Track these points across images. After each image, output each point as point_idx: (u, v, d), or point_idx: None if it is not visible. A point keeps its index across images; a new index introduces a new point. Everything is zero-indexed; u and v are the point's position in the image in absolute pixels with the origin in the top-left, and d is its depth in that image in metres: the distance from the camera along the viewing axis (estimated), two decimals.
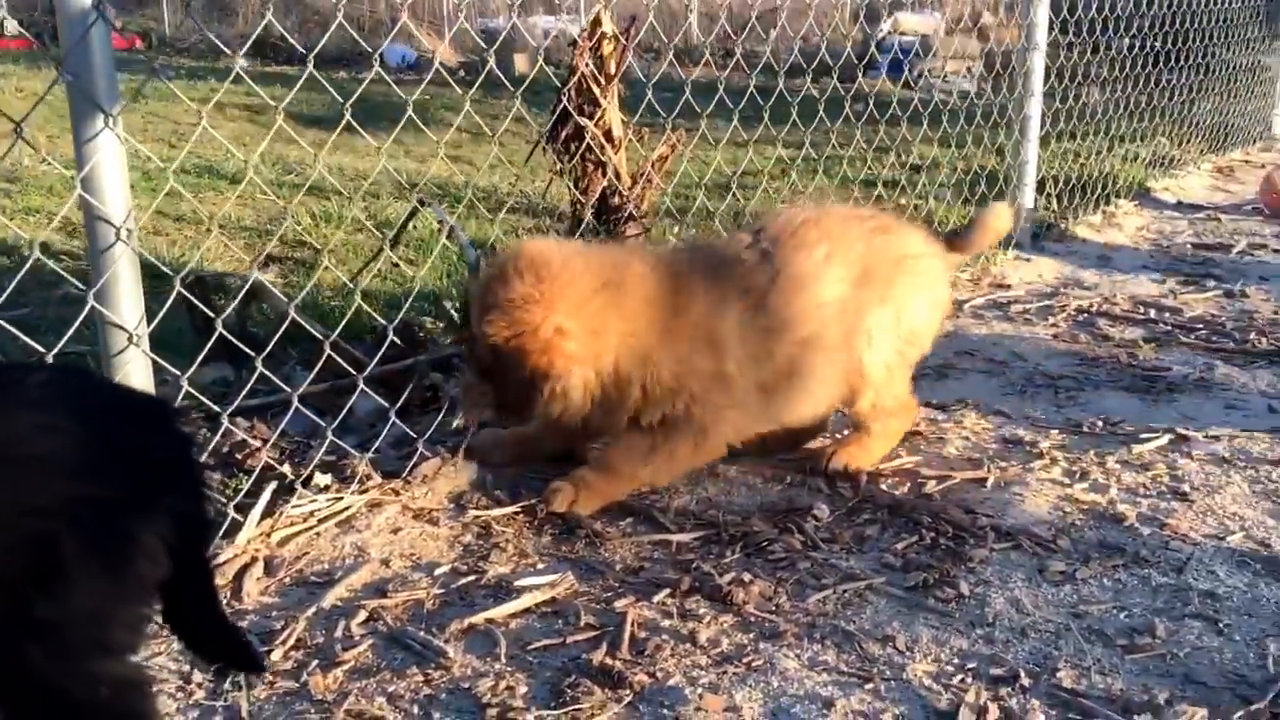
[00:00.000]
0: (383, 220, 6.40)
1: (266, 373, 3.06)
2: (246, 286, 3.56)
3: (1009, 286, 5.51)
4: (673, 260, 3.24)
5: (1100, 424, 3.74)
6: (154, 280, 4.91)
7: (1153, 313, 5.07)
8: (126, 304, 2.56)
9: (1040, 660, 2.45)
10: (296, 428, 3.50)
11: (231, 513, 2.85)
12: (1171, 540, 2.98)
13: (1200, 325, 4.86)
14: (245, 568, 2.72)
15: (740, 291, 3.14)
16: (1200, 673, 2.42)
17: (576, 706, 2.24)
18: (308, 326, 3.89)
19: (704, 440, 3.14)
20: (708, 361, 3.09)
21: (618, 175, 4.12)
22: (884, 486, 3.26)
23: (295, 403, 3.09)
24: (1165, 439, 3.61)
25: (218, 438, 2.92)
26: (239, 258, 5.74)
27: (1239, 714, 2.27)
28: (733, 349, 3.11)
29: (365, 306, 4.07)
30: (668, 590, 2.68)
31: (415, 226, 5.84)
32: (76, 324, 2.59)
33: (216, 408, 2.96)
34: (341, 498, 3.05)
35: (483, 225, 6.36)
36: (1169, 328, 4.85)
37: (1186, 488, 3.29)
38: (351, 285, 4.00)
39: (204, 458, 3.09)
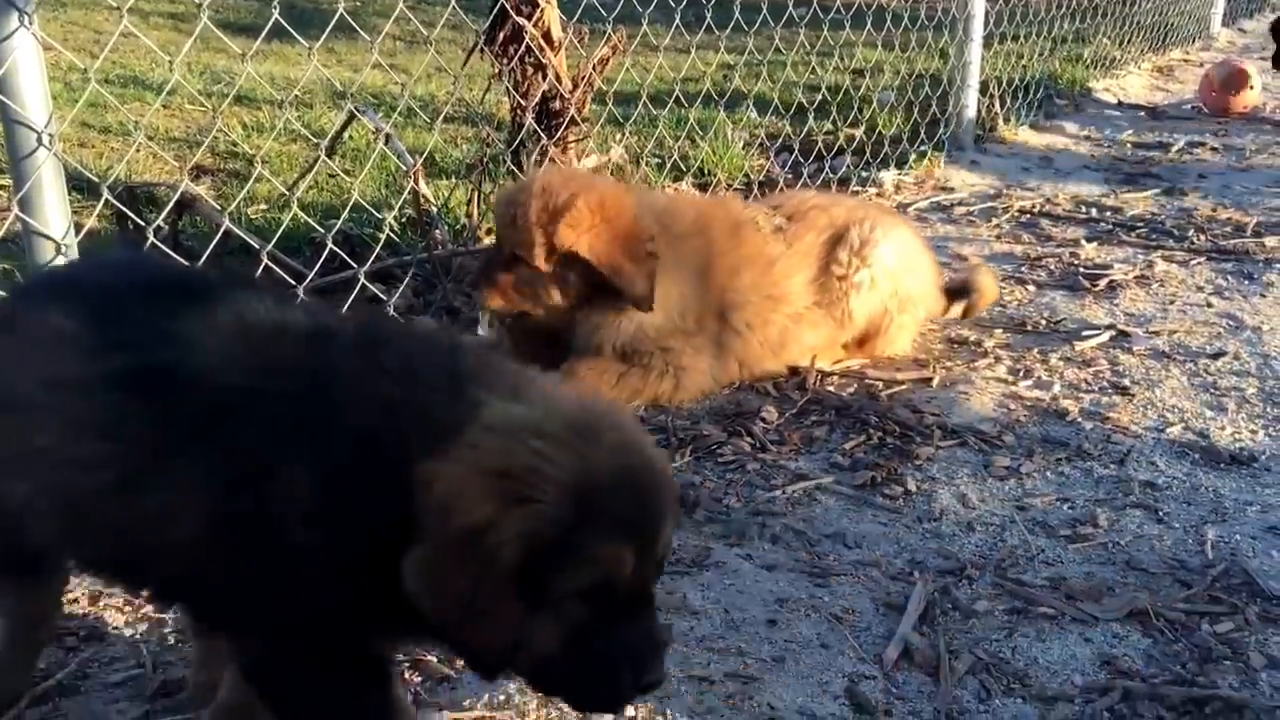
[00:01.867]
0: (317, 130, 6.23)
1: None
2: (177, 197, 3.44)
3: (952, 189, 5.51)
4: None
5: (1043, 322, 3.78)
6: (80, 193, 4.78)
7: (1094, 212, 5.10)
8: (52, 212, 2.46)
9: (986, 552, 2.50)
10: None
11: None
12: (1113, 434, 3.03)
13: (1140, 223, 4.90)
14: None
15: (751, 259, 3.26)
16: (1141, 560, 2.47)
17: None
18: (245, 237, 3.79)
19: (675, 388, 3.17)
20: (711, 321, 3.21)
21: (558, 78, 4.01)
22: (831, 388, 3.27)
23: None
24: (1106, 335, 3.66)
25: None
26: (169, 169, 5.57)
27: (1179, 598, 2.33)
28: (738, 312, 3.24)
29: (304, 216, 3.98)
30: None
31: (350, 136, 5.70)
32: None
33: None
34: None
35: (420, 134, 6.22)
36: (1110, 226, 4.89)
37: (1127, 382, 3.34)
38: (288, 194, 3.90)
39: None
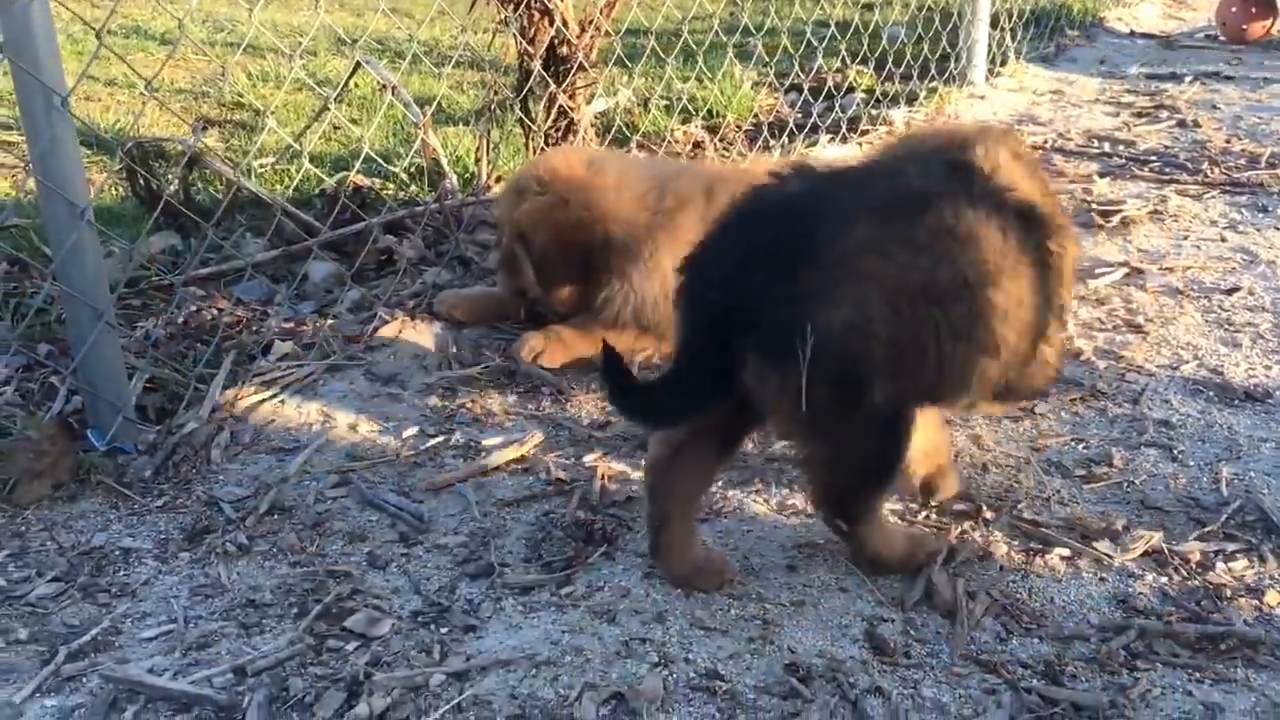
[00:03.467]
0: (322, 79, 6.19)
1: (218, 239, 2.98)
2: (189, 156, 3.43)
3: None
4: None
5: None
6: (89, 148, 4.77)
7: (1106, 146, 5.06)
8: (69, 173, 2.46)
9: (1002, 494, 2.52)
10: (252, 295, 3.44)
11: (193, 384, 2.81)
12: (1127, 372, 3.04)
13: (1154, 157, 4.87)
14: (211, 437, 2.70)
15: None
16: (1156, 498, 2.49)
17: (553, 559, 2.28)
18: (257, 192, 3.80)
19: None
20: None
21: (565, 24, 3.97)
22: None
23: (250, 270, 3.02)
24: (1120, 273, 3.65)
25: (173, 308, 2.85)
26: (176, 122, 5.55)
27: (1193, 535, 2.35)
28: None
29: (313, 169, 3.97)
30: (637, 443, 2.70)
31: (356, 84, 5.66)
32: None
33: (170, 278, 2.88)
34: (303, 364, 3.03)
35: (426, 81, 6.17)
36: (1123, 161, 4.85)
37: (1141, 320, 3.34)
38: (298, 147, 3.89)
39: (160, 329, 3.05)
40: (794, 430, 2.05)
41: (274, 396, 2.88)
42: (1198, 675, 1.98)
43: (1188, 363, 3.08)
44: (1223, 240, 3.92)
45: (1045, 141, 5.14)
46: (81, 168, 2.48)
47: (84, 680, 1.95)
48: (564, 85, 4.00)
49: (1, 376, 2.93)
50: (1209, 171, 4.64)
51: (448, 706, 1.88)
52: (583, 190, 3.09)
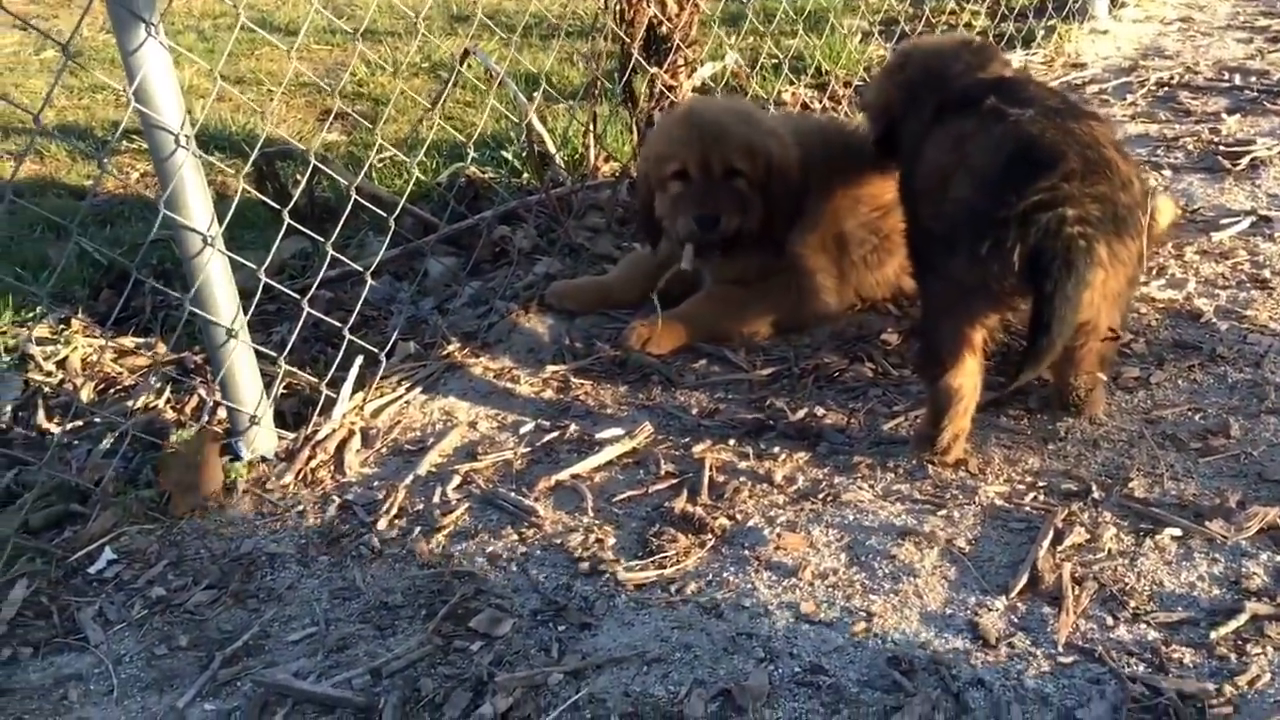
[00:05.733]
0: (437, 61, 6.34)
1: (339, 256, 3.14)
2: (310, 168, 3.59)
3: (1084, 65, 5.29)
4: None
5: (1179, 212, 3.65)
6: (223, 151, 5.02)
7: (1237, 78, 4.85)
8: (196, 206, 2.63)
9: (1112, 471, 2.50)
10: (377, 295, 3.61)
11: (324, 389, 2.99)
12: (1249, 333, 2.95)
13: None
14: (344, 442, 2.87)
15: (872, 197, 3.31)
16: (1274, 470, 2.44)
17: (662, 555, 2.37)
18: (375, 192, 3.94)
19: (800, 303, 3.24)
20: (833, 246, 3.29)
21: (663, 4, 4.00)
22: None
23: (369, 279, 3.17)
24: (1246, 222, 3.53)
25: (302, 318, 3.02)
26: (303, 117, 5.79)
27: None
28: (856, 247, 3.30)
29: (428, 162, 4.11)
30: (744, 430, 2.77)
31: (470, 66, 5.78)
32: (154, 231, 2.69)
33: (295, 295, 3.05)
34: (425, 364, 3.18)
35: (535, 54, 6.27)
36: (1254, 94, 4.64)
37: (1267, 274, 3.23)
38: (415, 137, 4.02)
39: (293, 335, 3.22)
40: None
41: (399, 398, 3.04)
42: None
43: None
44: None
45: (1171, 77, 4.95)
46: (208, 201, 2.64)
47: (238, 684, 2.14)
48: (665, 66, 4.03)
49: (155, 387, 3.17)
50: None
51: (565, 705, 2.00)
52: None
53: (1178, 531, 2.28)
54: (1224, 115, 4.42)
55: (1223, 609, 2.09)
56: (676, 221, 3.19)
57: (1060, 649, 2.04)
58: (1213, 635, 2.03)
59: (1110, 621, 2.09)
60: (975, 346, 2.51)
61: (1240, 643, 2.01)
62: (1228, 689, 1.91)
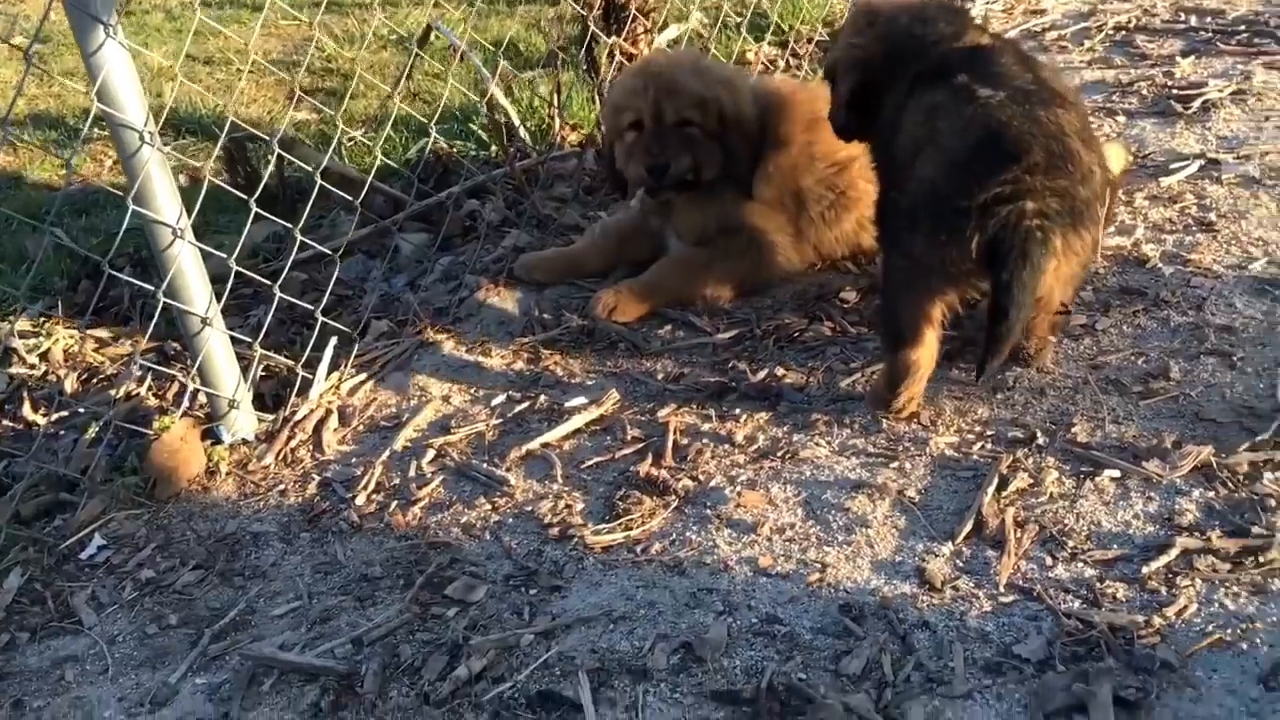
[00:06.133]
0: (405, 32, 6.37)
1: (307, 240, 3.22)
2: (278, 147, 3.65)
3: (1044, 10, 5.35)
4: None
5: (1131, 158, 3.73)
6: (194, 135, 5.07)
7: (1194, 19, 4.91)
8: (163, 200, 2.70)
9: (1057, 417, 2.61)
10: (350, 274, 3.69)
11: (301, 371, 3.08)
12: (1193, 276, 3.05)
13: (1242, 27, 4.71)
14: (322, 421, 2.97)
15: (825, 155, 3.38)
16: (1210, 410, 2.55)
17: (628, 517, 2.48)
18: (343, 171, 4.00)
19: (761, 262, 3.33)
20: (791, 203, 3.38)
21: None
22: None
23: (339, 260, 3.25)
24: (1195, 166, 3.61)
25: (274, 303, 3.10)
26: (273, 95, 5.83)
27: (1244, 446, 2.41)
28: (814, 204, 3.38)
29: (396, 136, 4.16)
30: (707, 393, 2.87)
31: (435, 38, 5.82)
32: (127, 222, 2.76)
33: (268, 281, 3.13)
34: (399, 341, 3.27)
35: (502, 21, 6.30)
36: (1209, 34, 4.71)
37: (1213, 217, 3.32)
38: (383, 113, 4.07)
39: (269, 318, 3.31)
40: None
41: (373, 376, 3.14)
42: (1234, 589, 2.08)
43: (1257, 260, 3.07)
44: None
45: (1129, 20, 5.01)
46: (176, 194, 2.72)
47: (227, 659, 2.25)
48: (624, 33, 4.09)
49: (136, 375, 3.26)
50: None
51: (536, 664, 2.12)
52: None
53: (1116, 473, 2.39)
54: (1178, 58, 4.49)
55: (1155, 545, 2.20)
56: (629, 168, 3.32)
57: (1001, 589, 2.15)
58: (1144, 570, 2.14)
59: (1049, 561, 2.21)
60: (934, 321, 2.59)
61: (1170, 576, 2.13)
62: (1156, 620, 2.02)
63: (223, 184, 3.29)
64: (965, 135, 2.43)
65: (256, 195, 3.04)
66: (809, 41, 5.17)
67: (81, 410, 3.10)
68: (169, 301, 2.77)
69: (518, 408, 2.94)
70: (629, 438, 2.75)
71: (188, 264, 2.77)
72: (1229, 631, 1.99)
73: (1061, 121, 2.43)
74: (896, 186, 2.64)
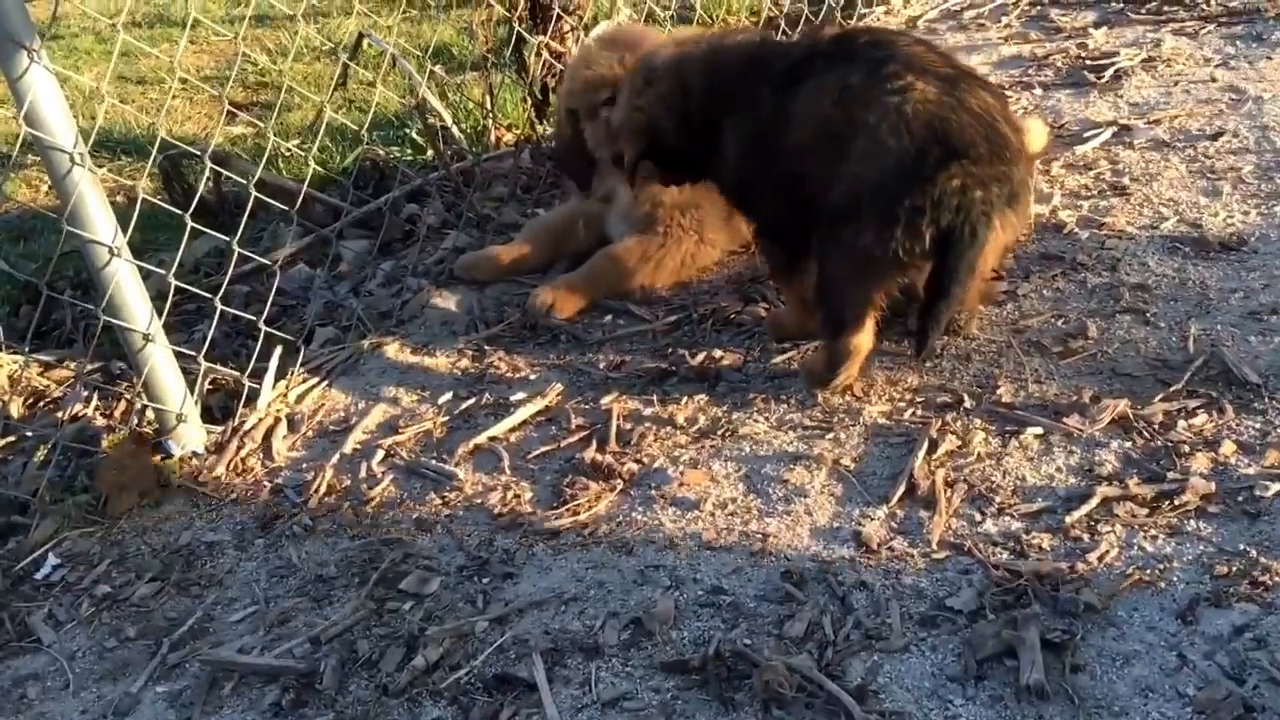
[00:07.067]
0: (337, 41, 6.38)
1: (245, 252, 3.25)
2: (212, 161, 3.68)
3: None
4: None
5: (1048, 131, 3.85)
6: (130, 155, 5.07)
7: None
8: (98, 220, 2.73)
9: (983, 381, 2.71)
10: (294, 284, 3.73)
11: (247, 382, 3.11)
12: (1108, 239, 3.17)
13: None
14: (271, 430, 3.01)
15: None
16: (1126, 365, 2.66)
17: (576, 503, 2.55)
18: (279, 183, 4.04)
19: (698, 245, 3.38)
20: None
21: None
22: None
23: (278, 271, 3.29)
24: (1109, 133, 3.73)
25: (216, 316, 3.14)
26: (208, 112, 5.83)
27: (1158, 397, 2.53)
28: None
29: (334, 146, 4.20)
30: (648, 379, 2.94)
31: (369, 46, 5.84)
32: (60, 250, 2.79)
33: (209, 295, 3.16)
34: (344, 347, 3.32)
35: (434, 26, 6.32)
36: (1121, 5, 4.84)
37: (1126, 181, 3.44)
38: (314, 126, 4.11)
39: (213, 331, 3.34)
40: None
41: (321, 382, 3.18)
42: (1152, 532, 2.18)
43: (1168, 220, 3.19)
44: (1213, 80, 3.96)
45: None
46: (109, 213, 2.74)
47: (186, 666, 2.29)
48: (550, 32, 4.15)
49: (83, 396, 3.28)
50: (1206, 3, 4.61)
51: (492, 649, 2.18)
52: None
53: (1039, 430, 2.50)
54: (1091, 30, 4.62)
55: (1077, 495, 2.31)
56: (609, 149, 3.21)
57: (934, 547, 2.25)
58: (1068, 520, 2.24)
59: (978, 517, 2.30)
60: (876, 307, 2.65)
61: (1092, 524, 2.23)
62: (1080, 566, 2.13)
63: (160, 202, 3.32)
64: (910, 134, 2.45)
65: (191, 210, 3.07)
66: None
67: (29, 434, 3.11)
68: (110, 320, 2.80)
69: (464, 404, 3.00)
70: (574, 426, 2.82)
71: (126, 282, 2.80)
72: (1148, 572, 2.10)
73: (990, 107, 2.52)
74: (816, 177, 2.62)
